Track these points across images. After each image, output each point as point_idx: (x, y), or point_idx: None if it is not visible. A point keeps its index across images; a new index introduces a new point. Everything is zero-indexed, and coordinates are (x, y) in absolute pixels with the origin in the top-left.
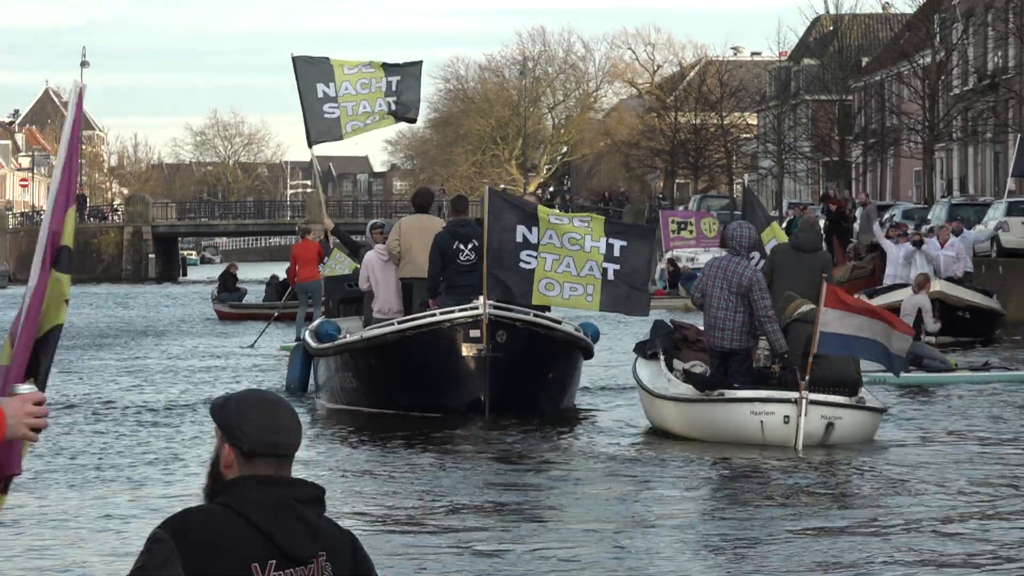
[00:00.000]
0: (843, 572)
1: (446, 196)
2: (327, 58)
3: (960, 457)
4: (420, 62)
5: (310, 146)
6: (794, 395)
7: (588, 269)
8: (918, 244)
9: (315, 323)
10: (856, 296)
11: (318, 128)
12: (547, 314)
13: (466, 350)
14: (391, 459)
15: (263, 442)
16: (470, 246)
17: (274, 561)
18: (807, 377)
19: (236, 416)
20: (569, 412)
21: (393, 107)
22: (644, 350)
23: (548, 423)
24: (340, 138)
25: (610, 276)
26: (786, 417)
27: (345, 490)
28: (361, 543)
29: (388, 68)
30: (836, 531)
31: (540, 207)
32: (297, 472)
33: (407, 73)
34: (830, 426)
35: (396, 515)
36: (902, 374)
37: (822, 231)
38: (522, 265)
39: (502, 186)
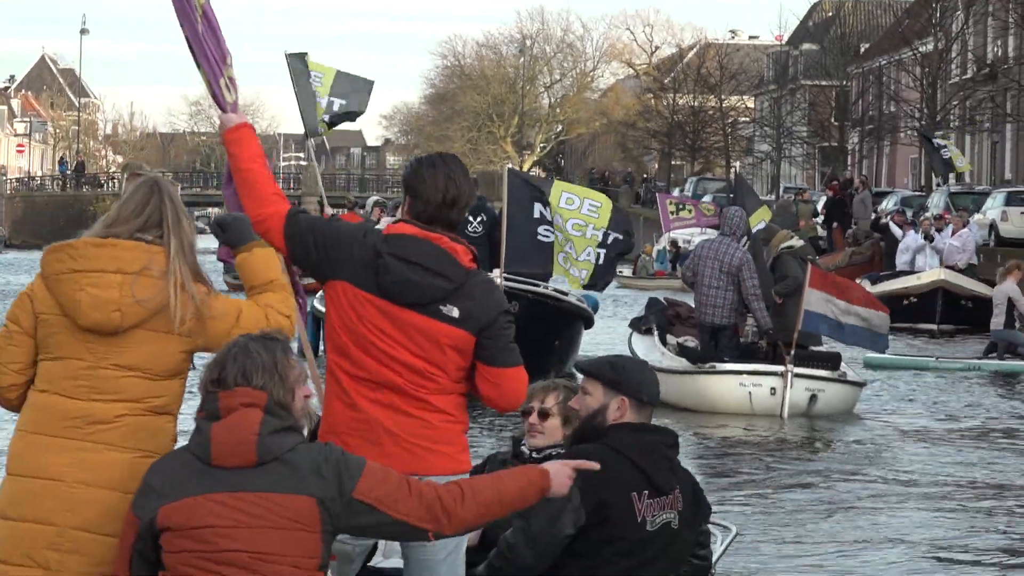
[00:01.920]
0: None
1: None
2: (550, 179)
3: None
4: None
5: (307, 138)
6: (780, 368)
7: (586, 255)
8: (929, 239)
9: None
10: (858, 281)
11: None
12: (553, 285)
13: None
14: None
15: (652, 394)
16: (479, 219)
17: (647, 491)
18: (792, 352)
19: (639, 374)
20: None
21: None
22: (639, 325)
23: None
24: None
25: (600, 261)
26: (772, 389)
27: None
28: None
29: (337, 84)
30: (818, 498)
31: (558, 181)
32: None
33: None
34: (813, 398)
35: None
36: (1000, 363)
37: (819, 215)
38: (540, 239)
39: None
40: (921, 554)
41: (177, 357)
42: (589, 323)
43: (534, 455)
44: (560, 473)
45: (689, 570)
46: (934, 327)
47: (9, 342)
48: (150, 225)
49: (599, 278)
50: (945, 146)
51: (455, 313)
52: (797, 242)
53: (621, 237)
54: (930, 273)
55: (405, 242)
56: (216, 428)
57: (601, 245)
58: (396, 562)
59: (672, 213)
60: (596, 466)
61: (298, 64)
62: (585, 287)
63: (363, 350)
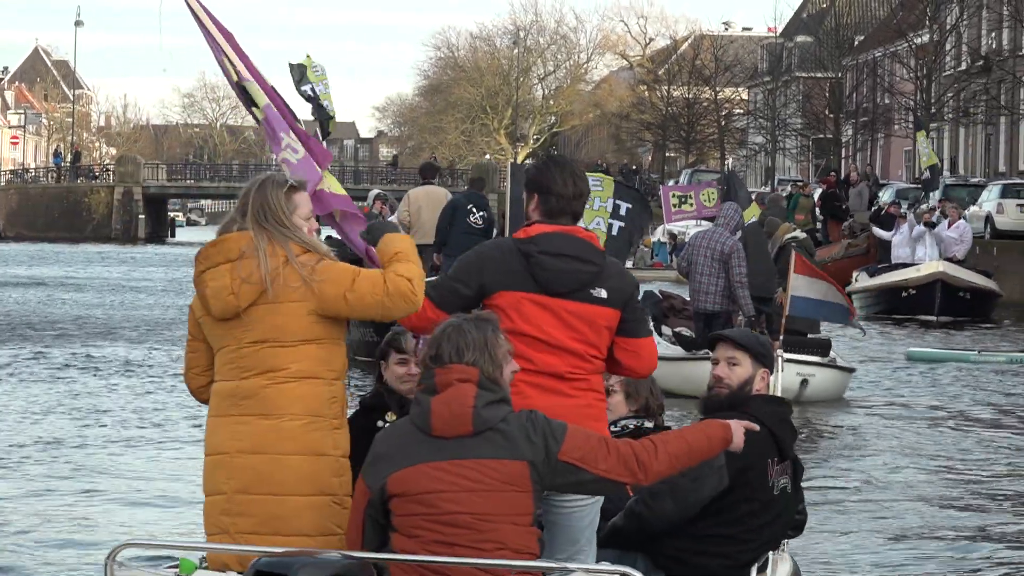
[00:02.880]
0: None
1: (437, 163)
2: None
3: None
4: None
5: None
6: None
7: (595, 224)
8: (930, 226)
9: None
10: (856, 273)
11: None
12: None
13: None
14: None
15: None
16: (481, 214)
17: (776, 458)
18: (782, 337)
19: (772, 350)
20: None
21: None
22: None
23: None
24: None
25: (614, 232)
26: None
27: None
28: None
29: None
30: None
31: None
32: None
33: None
34: (804, 382)
35: None
36: None
37: (815, 209)
38: None
39: (487, 156)
40: (902, 542)
41: (301, 323)
42: None
43: None
44: (738, 430)
45: (793, 524)
46: (933, 318)
47: (190, 350)
48: (242, 214)
49: (612, 249)
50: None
51: (603, 294)
52: (800, 234)
53: (631, 206)
54: (929, 265)
55: (549, 239)
56: (435, 402)
57: (613, 216)
58: None
59: (675, 206)
60: (757, 427)
61: (297, 73)
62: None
63: (527, 345)
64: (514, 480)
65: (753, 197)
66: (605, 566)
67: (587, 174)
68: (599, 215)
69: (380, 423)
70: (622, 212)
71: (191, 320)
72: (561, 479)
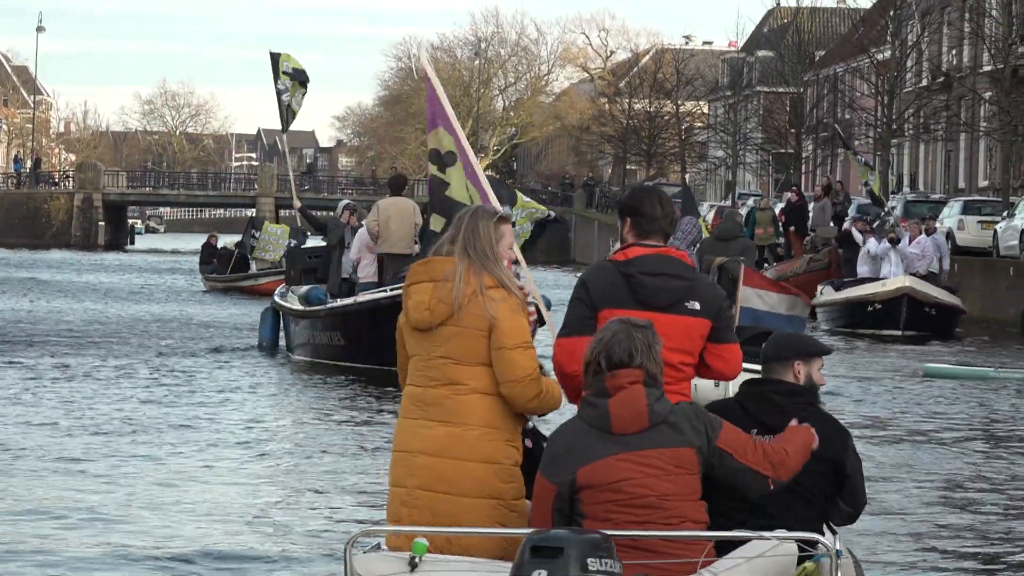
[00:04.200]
0: None
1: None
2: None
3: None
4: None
5: (283, 132)
6: None
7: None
8: (894, 242)
9: (303, 289)
10: (820, 288)
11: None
12: None
13: None
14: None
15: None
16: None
17: (756, 430)
18: None
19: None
20: None
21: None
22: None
23: None
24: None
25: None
26: (716, 381)
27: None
28: None
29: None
30: None
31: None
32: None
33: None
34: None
35: None
36: None
37: (777, 222)
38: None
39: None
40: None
41: (479, 347)
42: (541, 321)
43: None
44: (814, 433)
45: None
46: (898, 332)
47: (399, 356)
48: (452, 239)
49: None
50: (861, 160)
51: (697, 306)
52: (724, 259)
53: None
54: (895, 280)
55: (645, 260)
56: (613, 404)
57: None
58: None
59: None
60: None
61: (276, 65)
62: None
63: None
64: (686, 464)
65: (711, 210)
66: (797, 533)
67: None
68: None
69: None
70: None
71: (398, 330)
72: (718, 464)
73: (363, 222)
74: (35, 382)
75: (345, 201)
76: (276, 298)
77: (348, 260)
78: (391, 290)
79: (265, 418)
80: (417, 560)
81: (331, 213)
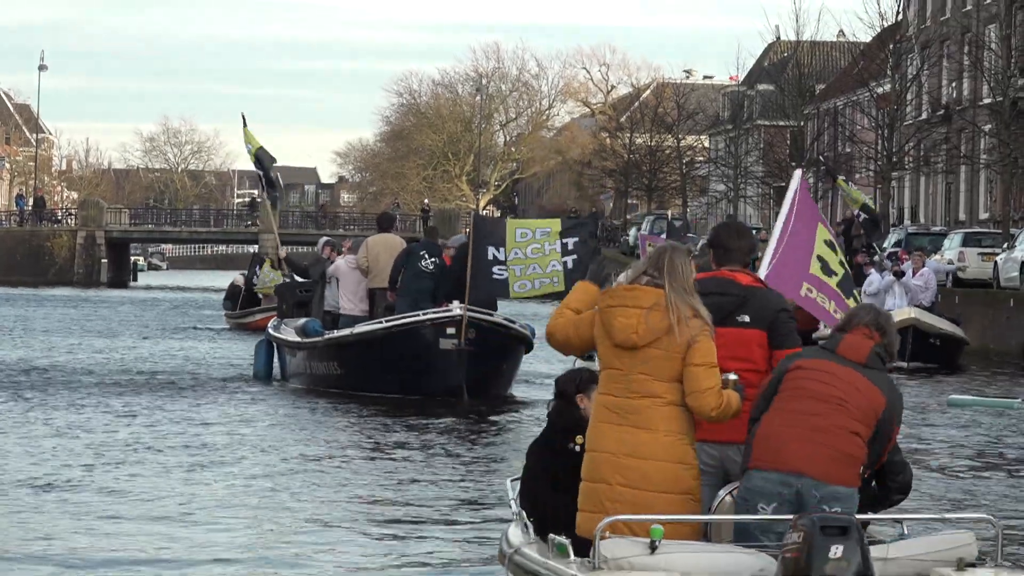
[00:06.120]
0: None
1: (399, 210)
2: (504, 220)
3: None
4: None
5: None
6: None
7: (552, 267)
8: (899, 275)
9: (300, 322)
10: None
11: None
12: (497, 314)
13: (443, 344)
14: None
15: None
16: (432, 260)
17: None
18: None
19: None
20: (511, 399)
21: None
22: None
23: (511, 406)
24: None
25: (570, 266)
26: None
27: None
28: None
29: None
30: None
31: (510, 220)
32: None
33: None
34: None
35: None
36: None
37: None
38: (495, 277)
39: (473, 207)
40: None
41: (676, 368)
42: (529, 347)
43: None
44: None
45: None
46: (904, 364)
47: (576, 318)
48: (657, 269)
49: (572, 279)
50: (846, 186)
51: (747, 318)
52: None
53: (578, 239)
54: (900, 312)
55: (704, 282)
56: (848, 336)
57: (564, 253)
58: None
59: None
60: None
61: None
62: (566, 290)
63: None
64: (876, 408)
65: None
66: (968, 514)
67: (538, 228)
68: (552, 258)
69: (570, 445)
70: (571, 247)
71: (577, 319)
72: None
73: (342, 255)
74: (34, 413)
75: (325, 238)
76: (270, 330)
77: (331, 293)
78: (387, 321)
79: (277, 441)
80: (656, 543)
81: (314, 248)
